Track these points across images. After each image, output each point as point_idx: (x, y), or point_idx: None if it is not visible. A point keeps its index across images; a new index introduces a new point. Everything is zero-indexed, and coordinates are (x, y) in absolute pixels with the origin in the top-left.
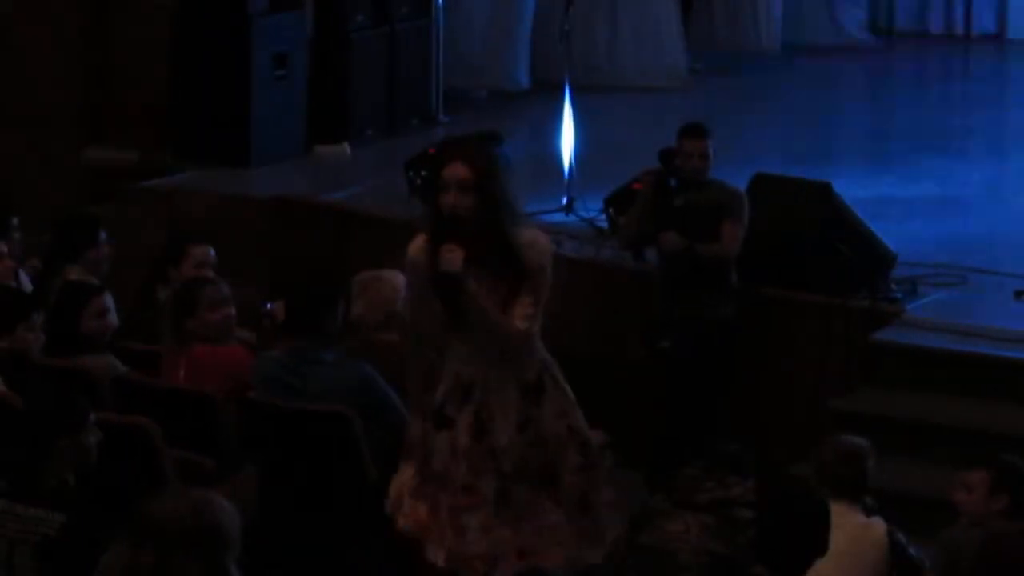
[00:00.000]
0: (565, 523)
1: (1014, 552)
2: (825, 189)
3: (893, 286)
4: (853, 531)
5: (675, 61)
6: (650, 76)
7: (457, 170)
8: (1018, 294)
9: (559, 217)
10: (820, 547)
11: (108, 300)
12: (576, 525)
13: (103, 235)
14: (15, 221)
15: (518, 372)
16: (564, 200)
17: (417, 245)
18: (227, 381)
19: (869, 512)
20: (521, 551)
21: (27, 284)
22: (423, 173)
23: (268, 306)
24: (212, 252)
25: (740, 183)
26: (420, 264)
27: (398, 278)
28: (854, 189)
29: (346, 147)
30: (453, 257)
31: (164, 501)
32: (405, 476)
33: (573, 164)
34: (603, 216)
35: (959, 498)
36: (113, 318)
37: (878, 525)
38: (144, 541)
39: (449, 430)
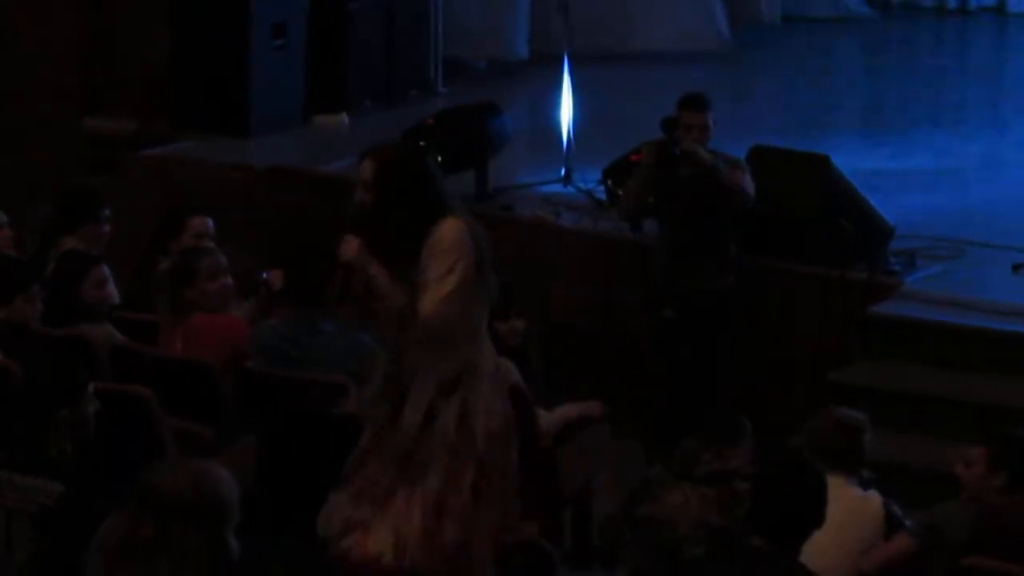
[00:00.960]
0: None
1: (1008, 526)
2: (824, 162)
3: (891, 259)
4: (850, 504)
5: (689, 27)
6: (657, 43)
7: (363, 168)
8: (1015, 267)
9: (557, 188)
10: (818, 519)
11: (106, 270)
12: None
13: (106, 211)
14: None
15: (437, 366)
16: (562, 171)
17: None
18: (225, 351)
19: (865, 485)
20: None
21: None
22: (421, 143)
23: (264, 275)
24: (211, 223)
25: (739, 155)
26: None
27: None
28: (852, 161)
29: (344, 117)
30: (348, 246)
31: (164, 473)
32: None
33: (572, 135)
34: (601, 187)
35: (959, 472)
36: (112, 289)
37: (874, 498)
38: (144, 513)
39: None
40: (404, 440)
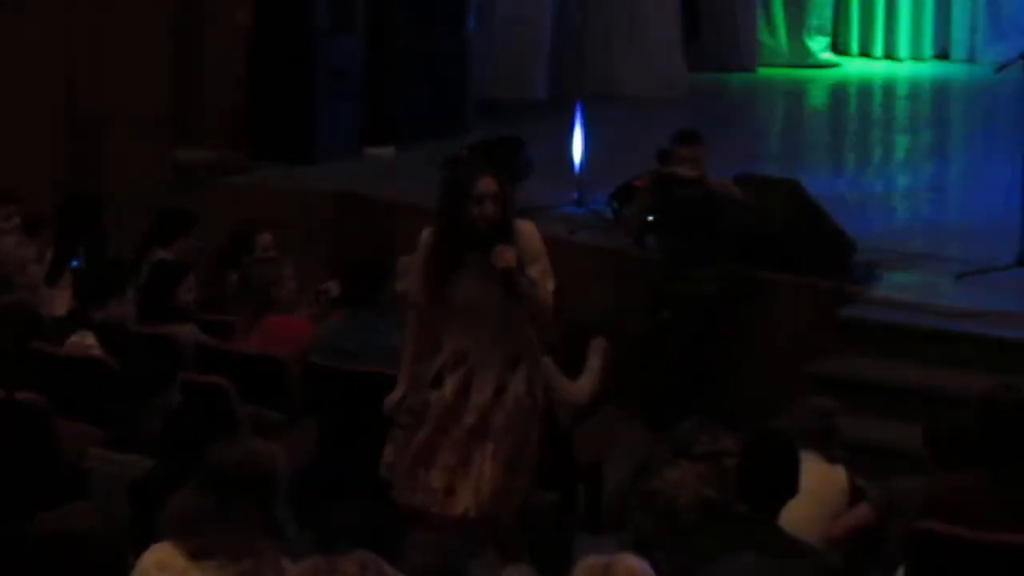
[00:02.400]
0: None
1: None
2: (796, 186)
3: (855, 269)
4: (820, 476)
5: (678, 75)
6: (656, 87)
7: (489, 184)
8: (959, 276)
9: (572, 209)
10: (792, 489)
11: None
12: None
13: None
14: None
15: (503, 346)
16: (576, 195)
17: (431, 231)
18: (294, 346)
19: (834, 460)
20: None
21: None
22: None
23: (323, 285)
24: (271, 237)
25: None
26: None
27: None
28: (820, 186)
29: (392, 149)
30: (508, 256)
31: (225, 451)
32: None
33: (583, 164)
34: (609, 208)
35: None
36: (193, 295)
37: (840, 471)
38: (207, 485)
39: (440, 388)
40: (478, 413)
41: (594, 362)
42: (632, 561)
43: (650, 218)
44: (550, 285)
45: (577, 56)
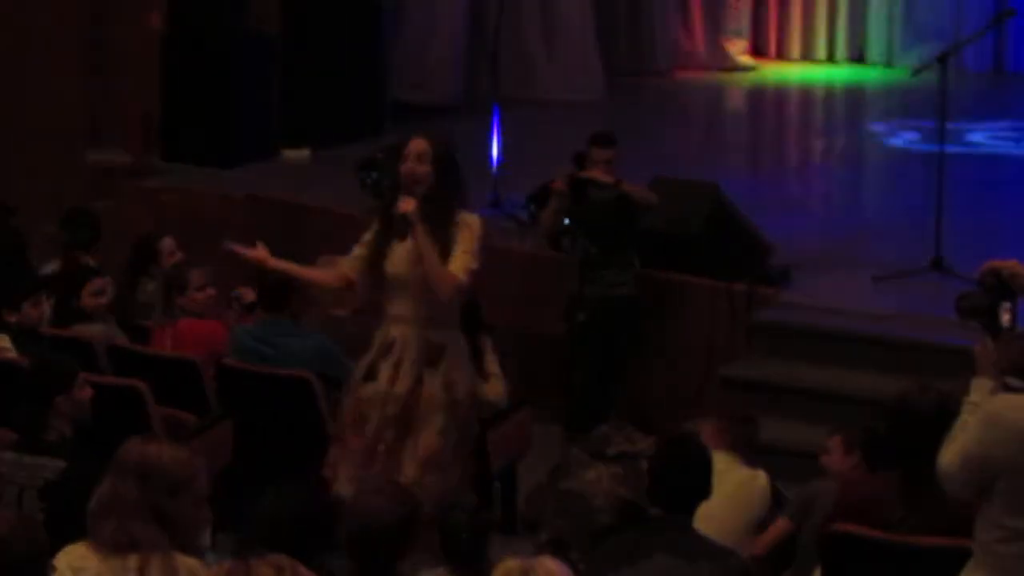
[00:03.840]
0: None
1: (863, 498)
2: (713, 188)
3: (770, 272)
4: (740, 479)
5: (593, 78)
6: (570, 90)
7: (418, 143)
8: (875, 279)
9: (489, 211)
10: (704, 492)
11: (104, 281)
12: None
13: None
14: None
15: (426, 336)
16: (492, 197)
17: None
18: (206, 350)
19: (754, 465)
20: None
21: None
22: (373, 174)
23: (234, 293)
24: (172, 242)
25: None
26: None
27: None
28: (738, 189)
29: (308, 152)
30: (408, 201)
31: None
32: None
33: (500, 166)
34: (526, 211)
35: (823, 459)
36: (108, 297)
37: (762, 475)
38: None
39: (374, 380)
40: (397, 404)
41: (493, 365)
42: (552, 564)
43: (566, 221)
44: (462, 264)
45: (492, 59)
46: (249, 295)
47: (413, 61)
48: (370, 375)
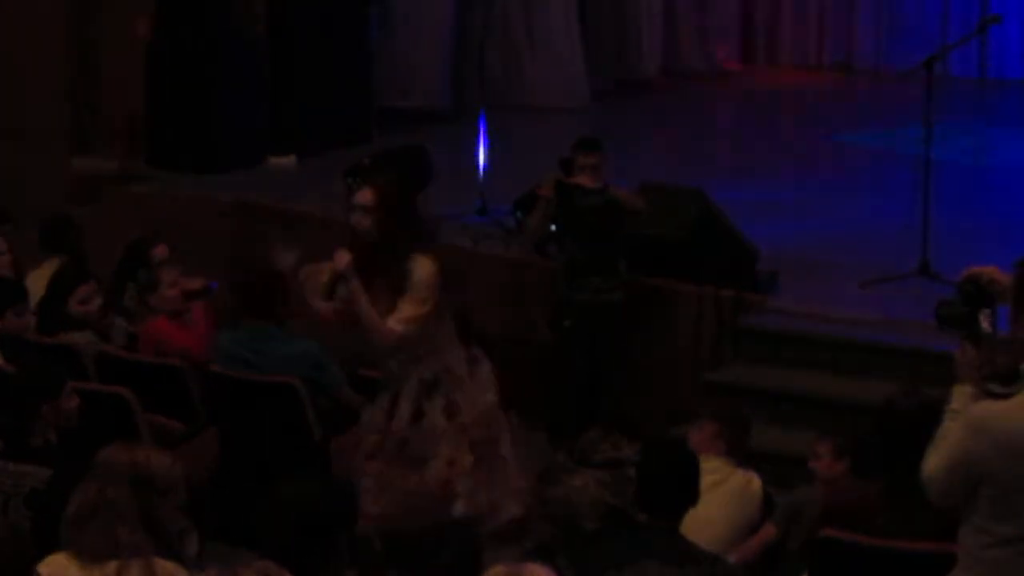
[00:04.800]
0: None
1: (850, 504)
2: (699, 194)
3: (757, 277)
4: (735, 483)
5: (578, 85)
6: (556, 97)
7: (363, 195)
8: (863, 284)
9: (475, 218)
10: (692, 497)
11: (92, 287)
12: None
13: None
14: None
15: (418, 370)
16: (479, 204)
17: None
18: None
19: (746, 468)
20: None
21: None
22: (360, 181)
23: (213, 285)
24: (166, 249)
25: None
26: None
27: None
28: (724, 194)
29: (295, 158)
30: (340, 257)
31: (109, 449)
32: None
33: (487, 173)
34: (512, 217)
35: (812, 464)
36: (96, 304)
37: (756, 480)
38: (90, 480)
39: (377, 409)
40: (398, 435)
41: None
42: (539, 570)
43: (552, 227)
44: (405, 314)
45: (479, 66)
46: (228, 293)
47: (400, 67)
48: (379, 405)
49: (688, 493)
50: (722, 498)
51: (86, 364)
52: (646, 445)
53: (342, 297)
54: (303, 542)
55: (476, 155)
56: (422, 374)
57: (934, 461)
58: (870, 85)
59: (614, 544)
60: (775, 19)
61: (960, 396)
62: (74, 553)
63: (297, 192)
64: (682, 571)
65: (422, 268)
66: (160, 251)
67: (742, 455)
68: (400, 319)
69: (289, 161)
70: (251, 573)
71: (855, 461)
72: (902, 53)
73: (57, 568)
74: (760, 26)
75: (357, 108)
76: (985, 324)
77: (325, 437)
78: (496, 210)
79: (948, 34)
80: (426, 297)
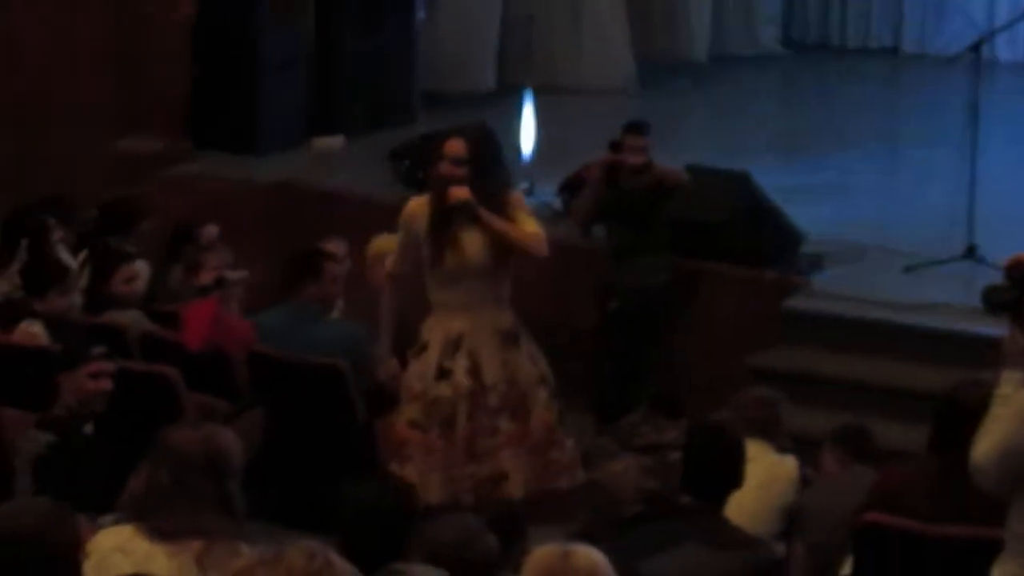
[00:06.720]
0: (525, 454)
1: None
2: (745, 178)
3: (801, 261)
4: (768, 466)
5: (625, 67)
6: (603, 79)
7: (454, 146)
8: (906, 269)
9: None
10: (737, 480)
11: (138, 267)
12: (542, 457)
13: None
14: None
15: (496, 322)
16: (526, 185)
17: (417, 202)
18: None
19: (783, 450)
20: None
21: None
22: (405, 162)
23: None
24: (216, 230)
25: None
26: (418, 215)
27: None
28: (769, 178)
29: (341, 139)
30: (460, 189)
31: (179, 432)
32: (402, 426)
33: (533, 155)
34: (559, 199)
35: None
36: (141, 284)
37: (790, 461)
38: (161, 464)
39: (449, 378)
40: (497, 393)
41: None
42: (590, 551)
43: (598, 210)
44: (532, 227)
45: (525, 47)
46: (238, 277)
47: (446, 49)
48: (443, 374)
49: (733, 476)
50: (755, 481)
51: (130, 344)
52: (692, 427)
53: (413, 260)
54: (370, 540)
55: (522, 138)
56: (501, 328)
57: (983, 447)
58: (916, 68)
59: (656, 528)
60: (823, 2)
61: (1009, 382)
62: (143, 528)
63: (339, 173)
64: (726, 554)
65: (520, 198)
66: (209, 231)
67: (778, 438)
68: (533, 227)
69: (335, 142)
70: (297, 552)
71: (850, 450)
72: (949, 36)
73: (124, 541)
74: (807, 9)
75: (403, 90)
76: None
77: (369, 419)
78: (543, 193)
79: (995, 17)
80: (535, 218)
